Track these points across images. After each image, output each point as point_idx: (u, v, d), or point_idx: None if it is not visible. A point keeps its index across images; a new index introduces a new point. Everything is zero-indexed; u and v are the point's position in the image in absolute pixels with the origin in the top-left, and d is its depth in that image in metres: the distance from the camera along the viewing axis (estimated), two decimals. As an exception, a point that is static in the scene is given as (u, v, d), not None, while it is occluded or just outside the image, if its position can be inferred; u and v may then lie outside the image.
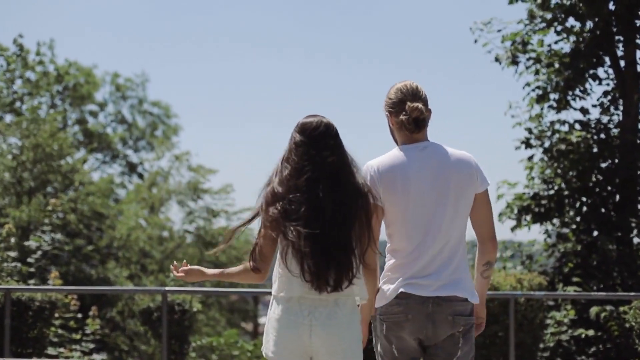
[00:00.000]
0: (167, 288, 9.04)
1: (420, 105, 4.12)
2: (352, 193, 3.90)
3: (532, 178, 12.86)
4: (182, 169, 28.26)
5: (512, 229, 12.60)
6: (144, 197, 27.01)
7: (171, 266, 4.23)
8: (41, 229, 14.55)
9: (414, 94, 4.17)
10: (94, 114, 32.26)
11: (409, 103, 4.12)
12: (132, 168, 33.33)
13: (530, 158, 12.70)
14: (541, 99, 12.76)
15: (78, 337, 11.33)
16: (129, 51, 51.18)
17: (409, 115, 4.12)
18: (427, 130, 4.25)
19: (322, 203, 3.83)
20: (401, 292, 4.03)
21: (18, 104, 24.43)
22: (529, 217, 12.49)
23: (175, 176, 28.53)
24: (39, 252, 12.85)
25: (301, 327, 3.86)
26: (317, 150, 3.91)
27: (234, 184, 30.88)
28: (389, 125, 4.29)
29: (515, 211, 12.55)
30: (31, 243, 13.04)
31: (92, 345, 11.53)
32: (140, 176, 32.45)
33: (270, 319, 3.98)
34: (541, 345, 9.58)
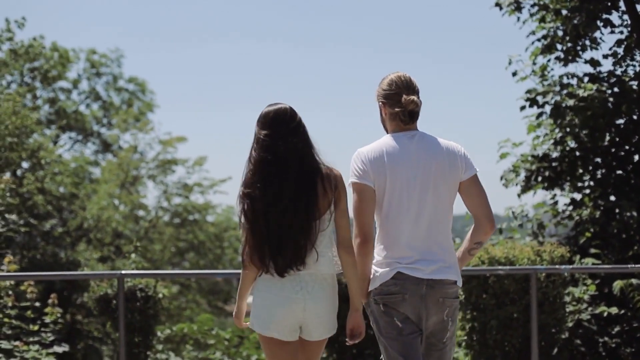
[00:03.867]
0: (123, 272, 7.64)
1: (416, 99, 4.31)
2: (314, 178, 4.16)
3: (538, 137, 11.54)
4: (154, 144, 26.89)
5: (519, 195, 11.30)
6: (116, 174, 25.60)
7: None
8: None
9: (408, 87, 4.34)
10: (66, 92, 30.83)
11: (404, 96, 4.30)
12: (106, 146, 31.95)
13: (539, 116, 11.33)
14: (547, 49, 11.41)
15: (36, 328, 10.00)
16: (104, 29, 49.95)
17: (404, 108, 4.30)
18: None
19: (282, 197, 4.11)
20: (398, 273, 4.19)
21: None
22: (536, 180, 11.19)
23: (149, 152, 27.21)
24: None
25: (293, 301, 4.17)
26: (281, 140, 4.16)
27: (208, 156, 29.36)
28: (381, 114, 4.45)
29: (522, 175, 11.24)
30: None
31: (52, 337, 10.20)
32: (116, 155, 31.11)
33: (257, 295, 4.26)
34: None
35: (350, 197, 4.30)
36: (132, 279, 8.58)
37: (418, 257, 4.20)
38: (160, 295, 8.74)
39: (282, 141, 4.17)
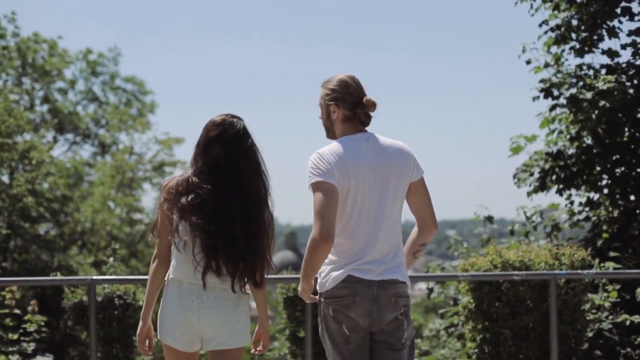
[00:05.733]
0: (94, 277, 6.91)
1: (375, 100, 4.27)
2: (259, 201, 4.15)
3: (552, 132, 10.80)
4: (151, 144, 26.21)
5: (529, 194, 10.59)
6: (111, 177, 24.89)
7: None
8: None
9: (362, 88, 4.30)
10: (62, 92, 30.09)
11: (366, 97, 4.26)
12: (104, 148, 31.23)
13: (553, 108, 10.57)
14: (562, 40, 10.66)
15: (15, 337, 9.30)
16: (100, 27, 49.36)
17: (365, 110, 4.25)
18: None
19: (229, 202, 4.06)
20: (349, 276, 4.17)
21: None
22: (551, 180, 10.46)
23: (146, 153, 26.52)
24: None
25: (188, 310, 4.11)
26: (230, 152, 4.10)
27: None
28: (328, 117, 4.34)
29: (536, 174, 10.51)
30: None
31: (33, 346, 9.51)
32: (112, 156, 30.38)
33: (164, 301, 4.21)
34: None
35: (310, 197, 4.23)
36: (109, 285, 7.85)
37: (372, 258, 4.18)
38: (141, 303, 8.02)
39: (238, 155, 4.23)
